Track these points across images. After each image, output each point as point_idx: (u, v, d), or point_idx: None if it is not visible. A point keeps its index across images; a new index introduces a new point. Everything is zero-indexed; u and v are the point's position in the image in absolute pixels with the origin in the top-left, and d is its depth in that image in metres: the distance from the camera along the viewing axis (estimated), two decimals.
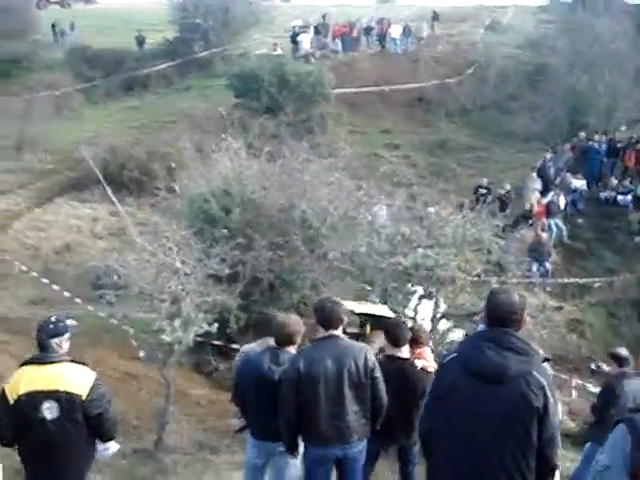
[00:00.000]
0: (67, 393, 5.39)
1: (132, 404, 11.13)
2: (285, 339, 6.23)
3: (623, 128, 25.04)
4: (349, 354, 5.82)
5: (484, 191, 21.65)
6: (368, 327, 9.81)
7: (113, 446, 5.89)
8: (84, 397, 5.42)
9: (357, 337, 8.60)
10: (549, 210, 21.84)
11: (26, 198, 23.01)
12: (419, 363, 6.88)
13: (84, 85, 32.82)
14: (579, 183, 23.08)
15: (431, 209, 12.41)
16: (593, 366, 11.50)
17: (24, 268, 16.80)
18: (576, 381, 14.51)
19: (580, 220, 22.65)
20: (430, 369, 6.91)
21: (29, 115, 26.58)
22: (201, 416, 11.49)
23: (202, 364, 13.09)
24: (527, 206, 22.04)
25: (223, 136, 14.79)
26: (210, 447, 10.23)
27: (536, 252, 19.68)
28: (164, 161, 22.08)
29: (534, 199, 22.30)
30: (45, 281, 15.96)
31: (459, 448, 4.21)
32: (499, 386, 4.08)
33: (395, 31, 36.29)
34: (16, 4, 36.58)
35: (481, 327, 4.69)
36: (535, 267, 19.34)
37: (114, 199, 21.79)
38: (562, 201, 22.17)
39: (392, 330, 6.89)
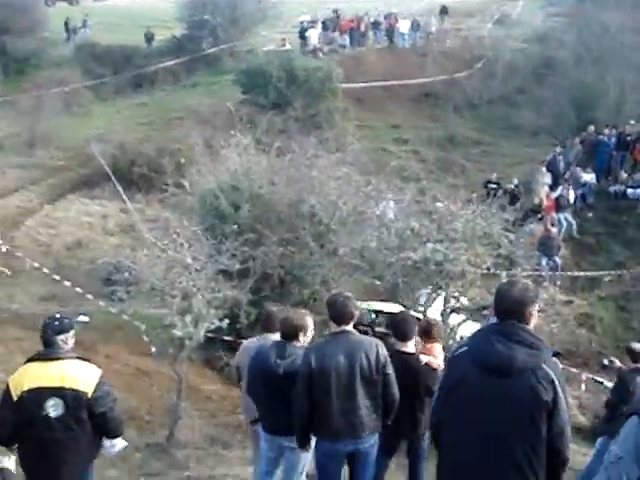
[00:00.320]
0: (73, 390, 5.34)
1: (144, 399, 11.21)
2: (291, 333, 6.27)
3: (632, 122, 24.91)
4: (361, 349, 5.84)
5: (494, 186, 21.63)
6: None
7: (120, 443, 5.83)
8: (90, 394, 5.38)
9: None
10: (559, 204, 21.82)
11: (38, 194, 23.14)
12: (424, 358, 6.89)
13: (93, 82, 32.89)
14: (588, 177, 23.03)
15: (440, 204, 12.42)
16: (606, 361, 11.45)
17: (36, 265, 16.85)
18: (586, 375, 14.53)
19: (589, 214, 22.60)
20: (435, 366, 6.94)
21: (39, 112, 26.67)
22: (213, 411, 11.56)
23: (213, 360, 13.14)
24: (536, 200, 22.00)
25: (232, 132, 14.83)
26: (222, 442, 10.30)
27: (546, 246, 19.66)
28: (173, 157, 22.10)
29: (543, 193, 22.28)
30: (56, 277, 16.03)
31: (468, 441, 4.22)
32: (508, 379, 4.07)
33: (403, 26, 36.21)
34: (25, 2, 36.63)
35: (492, 320, 4.70)
36: (544, 261, 19.32)
37: (124, 196, 21.85)
38: (571, 195, 22.15)
39: (398, 325, 6.93)
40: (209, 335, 10.31)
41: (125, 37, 37.30)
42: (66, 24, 39.53)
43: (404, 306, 11.02)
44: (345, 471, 6.39)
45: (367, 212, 13.13)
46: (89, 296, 15.07)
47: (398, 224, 11.96)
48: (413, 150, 27.78)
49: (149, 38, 37.41)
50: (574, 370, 14.60)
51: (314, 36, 34.46)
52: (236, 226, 12.12)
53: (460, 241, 10.98)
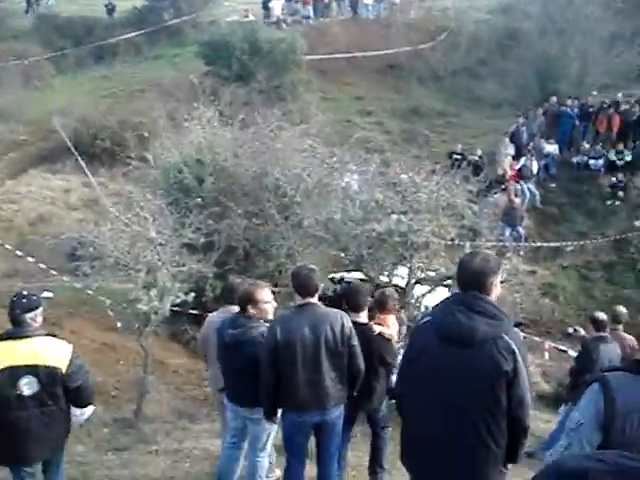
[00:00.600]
0: (46, 367, 5.34)
1: (111, 375, 11.19)
2: (243, 305, 6.31)
3: (595, 93, 25.15)
4: (326, 321, 5.87)
5: (458, 157, 21.73)
6: None
7: (88, 410, 5.81)
8: (64, 370, 5.38)
9: None
10: (522, 175, 22.02)
11: None
12: (377, 329, 6.98)
13: (53, 54, 32.25)
14: (551, 148, 23.24)
15: (404, 175, 12.46)
16: (570, 330, 11.65)
17: None
18: (549, 344, 14.74)
19: (552, 185, 22.83)
20: (387, 336, 7.05)
21: None
22: (180, 385, 11.58)
23: (179, 333, 13.14)
24: (500, 171, 22.16)
25: (195, 105, 14.72)
26: (189, 415, 10.34)
27: (509, 217, 19.85)
28: (136, 131, 21.94)
29: (507, 164, 22.45)
30: (19, 253, 15.86)
31: (430, 411, 4.26)
32: (469, 349, 4.10)
33: None
34: None
35: (454, 291, 4.74)
36: (508, 231, 19.50)
37: (86, 170, 21.61)
38: (535, 166, 22.34)
39: (351, 296, 7.04)
40: (175, 309, 10.32)
41: (86, 8, 36.68)
42: None
43: (369, 277, 11.09)
44: (312, 442, 6.46)
45: (332, 184, 13.13)
46: (53, 272, 14.93)
47: (362, 196, 12.00)
48: (377, 122, 27.80)
49: (110, 9, 36.68)
50: (537, 339, 14.81)
51: (277, 7, 34.10)
52: (200, 199, 12.06)
53: (424, 212, 11.04)
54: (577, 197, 22.21)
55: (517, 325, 4.94)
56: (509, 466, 4.39)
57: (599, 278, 19.32)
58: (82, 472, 7.72)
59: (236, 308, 6.53)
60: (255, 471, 6.60)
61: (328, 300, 7.04)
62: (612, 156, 22.36)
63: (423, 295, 11.39)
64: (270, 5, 34.01)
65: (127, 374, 11.26)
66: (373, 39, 32.40)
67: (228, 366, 6.43)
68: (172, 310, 10.01)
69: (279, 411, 6.20)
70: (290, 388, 5.91)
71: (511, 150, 23.13)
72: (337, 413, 6.13)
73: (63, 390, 5.44)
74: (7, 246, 16.42)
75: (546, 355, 14.48)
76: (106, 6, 36.55)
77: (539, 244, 19.42)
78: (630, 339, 9.40)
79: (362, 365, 6.08)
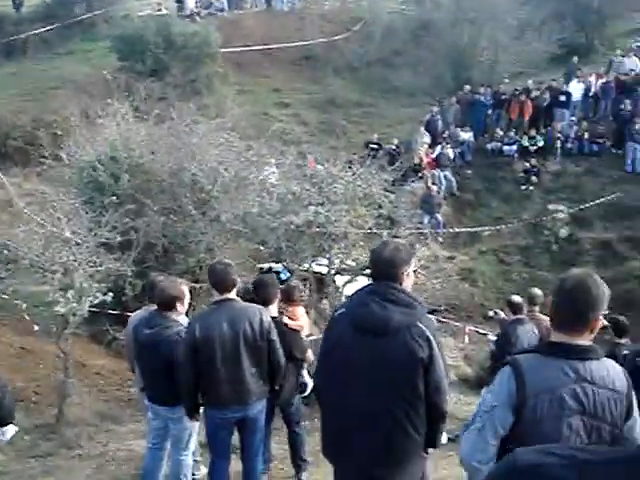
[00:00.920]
0: None
1: (30, 380, 10.95)
2: (164, 303, 6.26)
3: (506, 80, 25.68)
4: (244, 316, 5.87)
5: (375, 147, 21.89)
6: None
7: (10, 429, 5.68)
8: None
9: None
10: (438, 162, 22.36)
11: None
12: (285, 321, 7.02)
13: None
14: (466, 135, 23.64)
15: (320, 167, 12.53)
16: (491, 313, 11.87)
17: None
18: (469, 328, 15.00)
19: (468, 171, 23.20)
20: (296, 327, 7.09)
21: None
22: (102, 387, 11.42)
23: (100, 334, 12.92)
24: (416, 160, 22.42)
25: (109, 101, 14.48)
26: (113, 417, 10.22)
27: (427, 204, 20.14)
28: (50, 129, 21.47)
29: (423, 152, 22.73)
30: None
31: (347, 402, 4.29)
32: (383, 338, 4.13)
33: None
34: None
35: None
36: (427, 219, 19.79)
37: None
38: (450, 153, 22.69)
39: (258, 290, 6.94)
40: (94, 310, 10.14)
41: None
42: None
43: (289, 270, 11.13)
44: (236, 437, 6.46)
45: (249, 178, 13.09)
46: None
47: (280, 189, 12.01)
48: (294, 113, 27.78)
49: (18, 4, 35.65)
50: (458, 324, 15.07)
51: (191, 0, 33.80)
52: (115, 197, 11.87)
53: (341, 203, 11.12)
54: (492, 183, 22.64)
55: (433, 312, 5.02)
56: (430, 451, 4.47)
57: (516, 261, 19.78)
58: None
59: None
60: (179, 470, 6.57)
61: (249, 295, 6.99)
62: (525, 142, 22.87)
63: (344, 285, 11.48)
64: None
65: (47, 378, 11.02)
66: (288, 31, 32.36)
67: (145, 366, 6.40)
68: (91, 311, 9.85)
69: (201, 409, 6.18)
70: (211, 385, 5.90)
71: (427, 139, 23.39)
72: (259, 408, 6.15)
73: None
74: None
75: (466, 339, 14.74)
76: (13, 1, 35.56)
77: (457, 230, 19.74)
78: (546, 320, 9.62)
79: (282, 359, 6.10)
